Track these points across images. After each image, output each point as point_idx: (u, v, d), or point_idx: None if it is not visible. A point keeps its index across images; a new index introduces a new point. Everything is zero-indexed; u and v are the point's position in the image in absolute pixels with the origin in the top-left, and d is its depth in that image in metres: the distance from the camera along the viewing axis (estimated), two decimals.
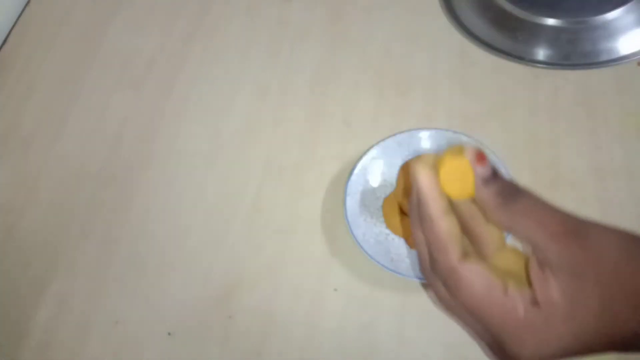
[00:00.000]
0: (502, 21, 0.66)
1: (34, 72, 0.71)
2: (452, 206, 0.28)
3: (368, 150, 0.54)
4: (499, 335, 0.27)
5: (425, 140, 0.55)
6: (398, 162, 0.52)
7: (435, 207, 0.28)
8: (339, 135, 0.60)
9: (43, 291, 0.55)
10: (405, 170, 0.50)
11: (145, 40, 0.72)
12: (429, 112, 0.60)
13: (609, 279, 0.25)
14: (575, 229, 0.26)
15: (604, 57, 0.61)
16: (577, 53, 0.62)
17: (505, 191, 0.27)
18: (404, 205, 0.51)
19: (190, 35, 0.71)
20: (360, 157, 0.54)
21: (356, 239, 0.50)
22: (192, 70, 0.68)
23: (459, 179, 0.27)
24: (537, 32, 0.64)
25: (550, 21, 0.64)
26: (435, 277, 0.29)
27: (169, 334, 0.52)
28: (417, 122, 0.57)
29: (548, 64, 0.61)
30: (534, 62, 0.62)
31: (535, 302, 0.26)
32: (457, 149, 0.27)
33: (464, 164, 0.27)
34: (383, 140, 0.55)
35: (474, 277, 0.27)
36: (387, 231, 0.52)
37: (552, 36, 0.64)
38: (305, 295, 0.52)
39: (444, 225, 0.27)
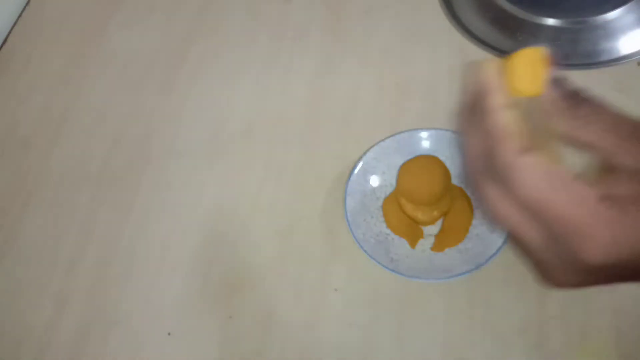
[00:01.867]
0: (502, 21, 0.66)
1: (34, 72, 0.71)
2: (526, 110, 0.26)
3: (368, 150, 0.54)
4: (563, 234, 0.24)
5: (425, 140, 0.55)
6: (398, 162, 0.52)
7: (497, 98, 0.26)
8: (339, 135, 0.60)
9: (43, 291, 0.55)
10: (405, 171, 0.50)
11: (145, 40, 0.72)
12: (429, 112, 0.60)
13: None
14: (636, 133, 0.25)
15: (604, 57, 0.61)
16: (577, 53, 0.62)
17: (575, 95, 0.26)
18: (404, 205, 0.51)
19: (190, 35, 0.71)
20: (360, 157, 0.54)
21: (356, 239, 0.50)
22: (192, 70, 0.68)
23: (530, 73, 0.26)
24: (537, 32, 0.64)
25: (550, 21, 0.64)
26: (488, 176, 0.26)
27: (169, 334, 0.52)
28: (417, 122, 0.57)
29: None
30: None
31: (607, 197, 0.23)
32: (529, 50, 0.26)
33: (537, 57, 0.26)
34: (383, 140, 0.55)
35: (537, 167, 0.25)
36: (387, 231, 0.52)
37: (552, 36, 0.64)
38: (305, 295, 0.52)
39: (505, 116, 0.25)
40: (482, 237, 0.50)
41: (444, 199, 0.50)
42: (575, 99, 0.26)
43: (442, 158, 0.51)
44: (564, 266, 0.25)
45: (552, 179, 0.24)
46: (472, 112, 0.27)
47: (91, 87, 0.69)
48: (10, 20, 0.76)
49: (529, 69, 0.26)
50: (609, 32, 0.61)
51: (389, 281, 0.50)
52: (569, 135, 0.26)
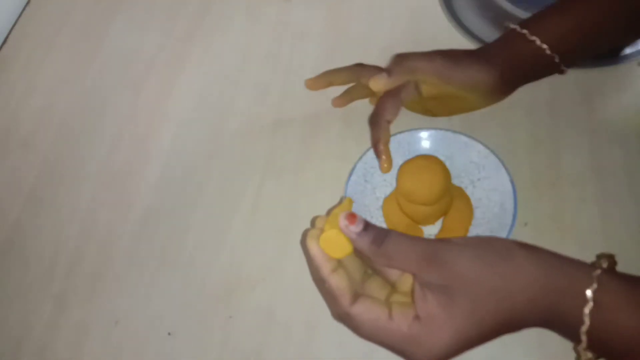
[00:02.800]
0: (502, 21, 0.66)
1: (34, 72, 0.71)
2: (351, 260, 0.37)
3: (368, 150, 0.54)
4: (400, 350, 0.34)
5: (425, 140, 0.55)
6: (398, 162, 0.52)
7: (323, 269, 0.36)
8: (339, 135, 0.60)
9: (43, 291, 0.55)
10: (405, 170, 0.50)
11: (145, 40, 0.72)
12: None
13: (469, 284, 0.32)
14: (433, 255, 0.33)
15: (604, 57, 0.61)
16: None
17: (376, 238, 0.34)
18: (404, 205, 0.51)
19: (190, 35, 0.71)
20: (360, 157, 0.54)
21: None
22: (192, 70, 0.68)
23: (335, 244, 0.35)
24: None
25: None
26: (345, 323, 0.36)
27: (169, 334, 0.52)
28: (417, 122, 0.57)
29: None
30: None
31: (417, 317, 0.33)
32: (333, 218, 0.35)
33: (333, 233, 0.35)
34: None
35: (363, 314, 0.34)
36: None
37: None
38: (305, 295, 0.52)
39: (333, 282, 0.35)
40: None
41: (444, 199, 0.50)
42: (378, 241, 0.34)
43: (442, 158, 0.51)
44: None
45: (378, 320, 0.34)
46: (317, 280, 0.37)
47: (91, 87, 0.69)
48: (10, 20, 0.76)
49: (333, 242, 0.35)
50: None
51: None
52: (385, 266, 0.36)
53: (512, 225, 0.48)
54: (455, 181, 0.53)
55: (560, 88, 0.60)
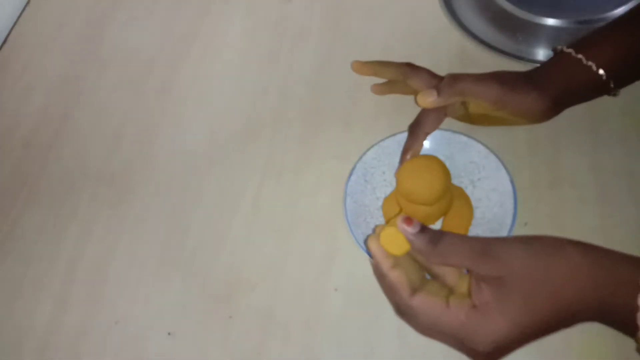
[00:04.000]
0: (502, 21, 0.66)
1: (34, 72, 0.71)
2: (410, 264, 0.39)
3: (368, 150, 0.54)
4: (459, 339, 0.35)
5: (425, 140, 0.55)
6: (398, 162, 0.52)
7: (383, 265, 0.38)
8: (339, 135, 0.60)
9: (43, 291, 0.55)
10: (405, 170, 0.50)
11: (145, 40, 0.72)
12: None
13: (522, 276, 0.34)
14: (485, 251, 0.35)
15: None
16: None
17: (432, 238, 0.36)
18: (404, 205, 0.51)
19: (190, 35, 0.71)
20: (360, 157, 0.54)
21: (356, 239, 0.50)
22: (192, 70, 0.68)
23: (394, 241, 0.38)
24: (537, 32, 0.64)
25: (550, 21, 0.64)
26: (404, 315, 0.38)
27: (169, 334, 0.52)
28: None
29: None
30: (534, 62, 0.62)
31: (473, 306, 0.35)
32: (392, 222, 0.38)
33: (393, 230, 0.37)
34: (383, 140, 0.55)
35: (422, 304, 0.36)
36: None
37: (552, 36, 0.64)
38: (305, 295, 0.52)
39: (392, 276, 0.38)
40: (481, 237, 0.49)
41: (444, 199, 0.50)
42: (434, 240, 0.36)
43: (442, 158, 0.51)
44: (476, 355, 0.35)
45: (436, 310, 0.36)
46: (378, 276, 0.40)
47: (91, 87, 0.69)
48: (10, 20, 0.76)
49: (392, 240, 0.38)
50: None
51: None
52: (441, 264, 0.38)
53: (512, 225, 0.48)
54: (455, 181, 0.53)
55: None
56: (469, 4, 0.69)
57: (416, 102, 0.50)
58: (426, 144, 0.55)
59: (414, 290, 0.37)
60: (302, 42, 0.68)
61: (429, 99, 0.48)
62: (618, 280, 0.33)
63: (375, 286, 0.51)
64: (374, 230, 0.41)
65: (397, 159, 0.54)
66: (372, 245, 0.39)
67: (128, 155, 0.63)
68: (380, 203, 0.54)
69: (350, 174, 0.53)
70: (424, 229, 0.37)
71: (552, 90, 0.47)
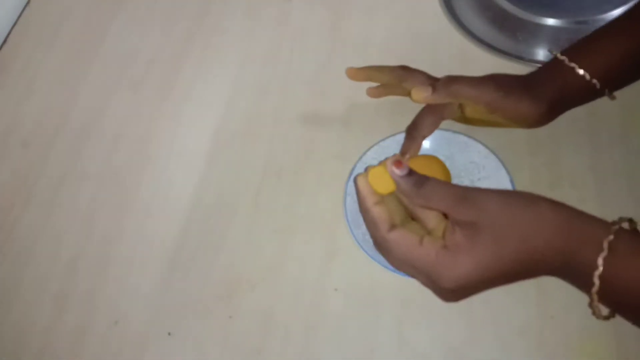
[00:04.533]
0: (502, 21, 0.66)
1: (34, 72, 0.71)
2: (394, 203, 0.42)
3: (368, 150, 0.54)
4: (427, 274, 0.37)
5: (425, 140, 0.55)
6: None
7: (367, 200, 0.41)
8: (339, 135, 0.60)
9: (43, 291, 0.55)
10: None
11: (145, 40, 0.72)
12: None
13: (494, 222, 0.36)
14: (464, 196, 0.37)
15: None
16: None
17: (417, 181, 0.39)
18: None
19: (190, 35, 0.71)
20: (360, 157, 0.54)
21: (356, 239, 0.50)
22: (192, 70, 0.68)
23: (381, 180, 0.40)
24: (537, 32, 0.64)
25: (550, 21, 0.64)
26: (381, 249, 0.41)
27: (169, 334, 0.52)
28: None
29: None
30: (534, 62, 0.62)
31: (444, 246, 0.37)
32: (384, 162, 0.40)
33: (381, 169, 0.40)
34: (383, 140, 0.55)
35: (398, 239, 0.39)
36: None
37: (552, 36, 0.64)
38: (305, 295, 0.52)
39: (374, 211, 0.40)
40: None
41: None
42: (419, 184, 0.38)
43: (442, 158, 0.51)
44: (440, 291, 0.38)
45: (409, 246, 0.38)
46: (362, 210, 0.42)
47: (91, 87, 0.69)
48: (10, 20, 0.76)
49: (379, 178, 0.40)
50: None
51: (389, 281, 0.50)
52: (421, 207, 0.40)
53: None
54: (455, 181, 0.53)
55: None
56: (469, 4, 0.69)
57: (410, 97, 0.50)
58: (426, 144, 0.55)
59: (393, 226, 0.40)
60: (302, 42, 0.68)
61: (424, 94, 0.49)
62: (584, 238, 0.35)
63: (375, 286, 0.51)
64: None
65: None
66: (360, 181, 0.41)
67: (128, 155, 0.63)
68: None
69: (350, 174, 0.53)
70: (411, 172, 0.39)
71: (546, 97, 0.48)
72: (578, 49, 0.48)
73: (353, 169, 0.54)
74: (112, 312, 0.53)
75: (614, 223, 0.36)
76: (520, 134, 0.57)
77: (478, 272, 0.36)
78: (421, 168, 0.49)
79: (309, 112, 0.63)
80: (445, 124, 0.55)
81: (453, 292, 0.37)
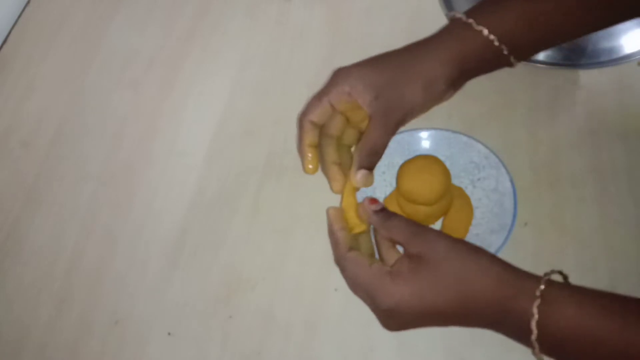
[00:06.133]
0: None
1: (34, 72, 0.71)
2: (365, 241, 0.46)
3: None
4: (368, 293, 0.40)
5: (425, 140, 0.55)
6: (398, 162, 0.52)
7: (335, 225, 0.44)
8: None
9: (43, 291, 0.55)
10: (405, 170, 0.50)
11: (145, 40, 0.72)
12: (428, 112, 0.60)
13: (438, 260, 0.39)
14: (418, 232, 0.41)
15: (604, 57, 0.61)
16: (577, 53, 0.62)
17: (385, 216, 0.43)
18: (404, 205, 0.51)
19: (190, 35, 0.71)
20: None
21: None
22: (192, 70, 0.68)
23: (354, 218, 0.45)
24: None
25: None
26: (339, 267, 0.44)
27: (169, 334, 0.52)
28: (417, 122, 0.56)
29: (548, 64, 0.61)
30: (534, 62, 0.62)
31: (389, 272, 0.40)
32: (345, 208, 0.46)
33: (353, 212, 0.45)
34: None
35: (352, 258, 0.42)
36: None
37: None
38: (305, 295, 0.52)
39: (339, 234, 0.44)
40: (481, 237, 0.50)
41: (444, 199, 0.50)
42: (385, 217, 0.43)
43: (442, 158, 0.51)
44: (378, 312, 0.41)
45: (360, 266, 0.41)
46: (329, 232, 0.45)
47: (91, 87, 0.69)
48: (10, 20, 0.76)
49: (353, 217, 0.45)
50: (609, 32, 0.61)
51: None
52: (384, 236, 0.44)
53: (512, 225, 0.48)
54: (455, 181, 0.53)
55: (560, 88, 0.60)
56: (469, 4, 0.68)
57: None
58: (426, 144, 0.55)
59: (351, 249, 0.43)
60: (302, 42, 0.68)
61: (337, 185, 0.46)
62: (519, 288, 0.37)
63: None
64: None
65: (397, 159, 0.54)
66: (330, 210, 0.45)
67: (128, 155, 0.63)
68: None
69: None
70: (383, 209, 0.44)
71: (451, 58, 0.44)
72: (482, 10, 0.45)
73: None
74: (112, 312, 0.53)
75: (545, 274, 0.38)
76: (520, 134, 0.58)
77: (413, 301, 0.38)
78: (421, 168, 0.50)
79: None
80: (445, 123, 0.55)
81: (390, 317, 0.40)
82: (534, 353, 0.37)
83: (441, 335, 0.49)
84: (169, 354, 0.51)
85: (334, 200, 0.55)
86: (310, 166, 0.47)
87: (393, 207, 0.53)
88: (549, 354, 0.37)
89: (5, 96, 0.69)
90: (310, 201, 0.56)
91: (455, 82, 0.46)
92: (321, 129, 0.47)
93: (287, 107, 0.63)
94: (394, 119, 0.45)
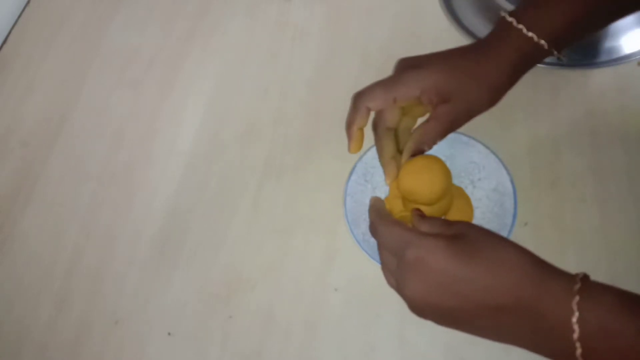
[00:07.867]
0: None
1: (34, 72, 0.71)
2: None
3: (368, 150, 0.54)
4: (402, 245, 0.39)
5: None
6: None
7: (378, 205, 0.45)
8: (339, 135, 0.60)
9: (43, 291, 0.55)
10: (405, 170, 0.50)
11: (145, 40, 0.72)
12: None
13: (476, 237, 0.38)
14: (453, 223, 0.40)
15: (604, 57, 0.61)
16: (577, 53, 0.62)
17: (422, 216, 0.44)
18: (405, 205, 0.51)
19: (190, 35, 0.71)
20: (360, 157, 0.54)
21: (356, 239, 0.50)
22: (192, 69, 0.68)
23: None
24: None
25: None
26: (373, 231, 0.43)
27: (169, 334, 0.52)
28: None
29: (548, 64, 0.61)
30: None
31: (428, 233, 0.39)
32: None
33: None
34: None
35: (392, 220, 0.42)
36: None
37: None
38: (305, 295, 0.52)
39: (379, 206, 0.45)
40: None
41: (444, 199, 0.50)
42: (423, 217, 0.44)
43: (442, 158, 0.51)
44: (403, 267, 0.38)
45: (398, 224, 0.41)
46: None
47: (91, 87, 0.69)
48: (10, 20, 0.76)
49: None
50: (609, 32, 0.61)
51: None
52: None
53: (512, 225, 0.48)
54: (455, 181, 0.53)
55: (560, 88, 0.60)
56: (469, 4, 0.69)
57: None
58: None
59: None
60: (302, 42, 0.68)
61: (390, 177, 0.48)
62: (553, 285, 0.35)
63: (375, 286, 0.51)
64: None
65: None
66: (374, 197, 0.46)
67: (128, 155, 0.63)
68: None
69: (350, 174, 0.53)
70: (422, 215, 0.44)
71: (510, 68, 0.46)
72: (528, 13, 0.47)
73: (353, 169, 0.53)
74: (112, 312, 0.53)
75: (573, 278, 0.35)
76: (520, 134, 0.58)
77: (448, 255, 0.36)
78: (421, 168, 0.50)
79: (309, 112, 0.63)
80: None
81: (414, 269, 0.38)
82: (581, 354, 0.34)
83: (441, 335, 0.49)
84: (169, 354, 0.51)
85: (334, 200, 0.56)
86: (356, 148, 0.48)
87: (394, 207, 0.53)
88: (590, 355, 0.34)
89: (5, 96, 0.69)
90: (310, 201, 0.57)
91: (509, 89, 0.48)
92: (376, 114, 0.48)
93: (287, 107, 0.64)
94: (457, 124, 0.46)
